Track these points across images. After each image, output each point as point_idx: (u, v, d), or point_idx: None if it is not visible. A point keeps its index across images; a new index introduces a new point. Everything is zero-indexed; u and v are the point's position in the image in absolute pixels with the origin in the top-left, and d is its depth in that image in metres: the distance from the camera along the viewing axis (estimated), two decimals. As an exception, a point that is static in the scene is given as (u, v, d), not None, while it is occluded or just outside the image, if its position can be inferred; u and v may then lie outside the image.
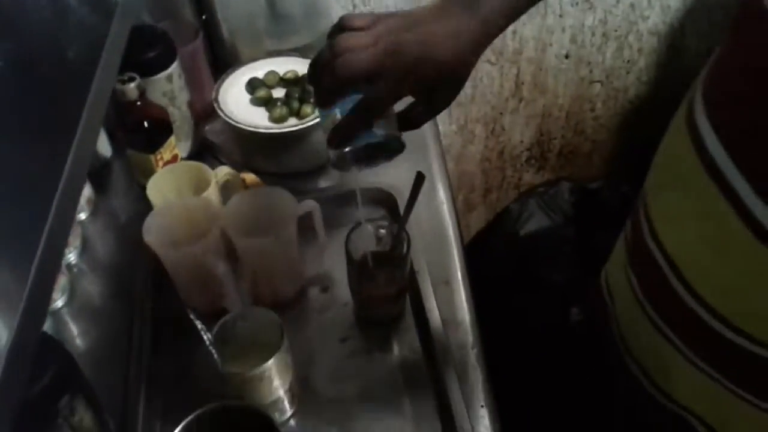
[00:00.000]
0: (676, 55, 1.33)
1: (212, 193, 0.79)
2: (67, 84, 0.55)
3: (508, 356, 0.93)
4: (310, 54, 0.97)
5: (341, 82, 0.55)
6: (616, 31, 1.29)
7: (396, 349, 0.77)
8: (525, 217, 1.46)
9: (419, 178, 0.75)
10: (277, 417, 0.70)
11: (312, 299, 0.82)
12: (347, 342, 0.77)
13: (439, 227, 0.89)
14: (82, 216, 0.91)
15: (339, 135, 0.58)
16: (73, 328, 0.81)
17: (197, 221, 0.74)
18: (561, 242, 1.42)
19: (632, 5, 1.25)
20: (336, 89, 0.56)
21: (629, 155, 1.44)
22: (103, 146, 0.98)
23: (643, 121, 1.44)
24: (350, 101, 0.57)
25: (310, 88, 0.91)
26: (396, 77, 0.56)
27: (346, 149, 0.59)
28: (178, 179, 0.81)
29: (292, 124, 0.89)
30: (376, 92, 0.57)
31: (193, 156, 0.97)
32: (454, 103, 1.27)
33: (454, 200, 0.94)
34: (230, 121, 0.88)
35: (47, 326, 0.80)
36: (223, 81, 0.94)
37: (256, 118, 0.90)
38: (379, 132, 0.59)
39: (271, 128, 0.88)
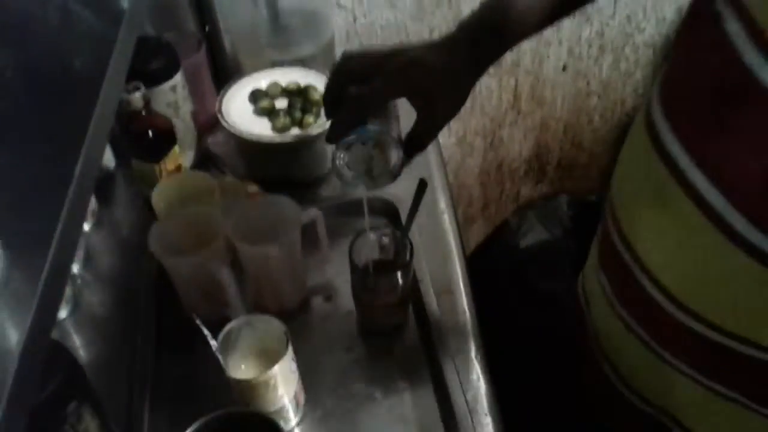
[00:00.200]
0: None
1: (216, 203, 0.79)
2: (75, 92, 0.55)
3: (509, 366, 0.93)
4: (312, 65, 0.99)
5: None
6: (612, 43, 1.30)
7: (399, 357, 0.77)
8: (524, 230, 1.47)
9: (422, 186, 0.76)
10: (282, 425, 0.69)
11: (315, 308, 0.82)
12: (351, 351, 0.78)
13: (440, 236, 0.90)
14: (86, 227, 0.92)
15: (333, 128, 0.63)
16: (77, 339, 0.81)
17: (201, 230, 0.74)
18: (560, 255, 1.43)
19: (628, 17, 1.27)
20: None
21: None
22: (106, 157, 0.98)
23: (640, 133, 1.45)
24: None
25: (313, 99, 0.93)
26: (389, 74, 0.61)
27: (342, 156, 0.64)
28: (182, 188, 0.81)
29: (294, 134, 0.89)
30: (370, 88, 0.61)
31: (195, 167, 0.98)
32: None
33: (455, 210, 0.94)
34: (233, 131, 0.89)
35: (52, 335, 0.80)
36: (226, 91, 0.94)
37: (259, 128, 0.91)
38: (372, 128, 0.63)
39: (274, 138, 0.89)
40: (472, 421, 0.70)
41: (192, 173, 0.84)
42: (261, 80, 0.97)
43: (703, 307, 0.53)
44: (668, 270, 0.55)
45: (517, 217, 1.47)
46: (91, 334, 0.81)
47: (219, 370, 0.67)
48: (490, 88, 1.34)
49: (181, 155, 0.91)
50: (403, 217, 0.86)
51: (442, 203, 0.94)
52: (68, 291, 0.82)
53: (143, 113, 0.83)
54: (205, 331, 0.62)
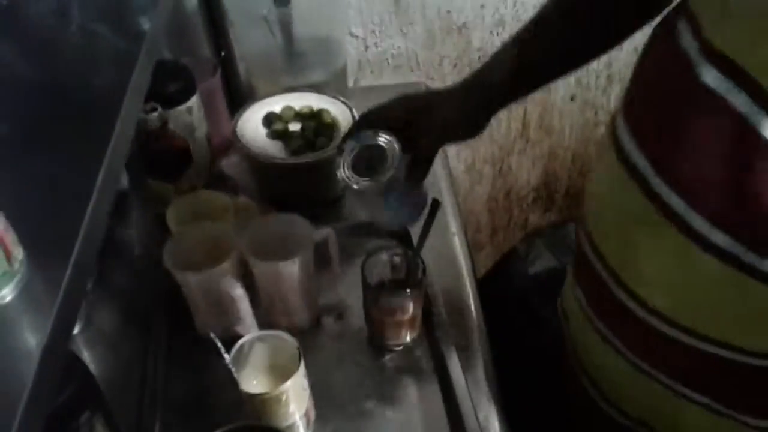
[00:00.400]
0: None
1: (230, 221, 0.80)
2: (97, 107, 0.57)
3: (519, 392, 0.93)
4: (325, 90, 1.01)
5: None
6: (620, 74, 1.32)
7: (411, 377, 0.77)
8: (532, 258, 1.46)
9: (435, 205, 0.77)
10: (293, 441, 0.69)
11: (327, 327, 0.82)
12: (362, 369, 0.78)
13: (451, 257, 0.90)
14: (98, 245, 0.92)
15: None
16: (88, 354, 0.81)
17: (215, 246, 0.75)
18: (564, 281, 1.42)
19: (636, 49, 1.28)
20: None
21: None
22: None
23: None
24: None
25: (326, 122, 0.95)
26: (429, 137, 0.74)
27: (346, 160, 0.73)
28: (196, 207, 0.82)
29: (308, 156, 0.91)
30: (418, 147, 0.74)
31: (209, 188, 0.99)
32: (461, 144, 1.31)
33: (465, 232, 0.95)
34: (248, 152, 0.90)
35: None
36: (241, 115, 0.96)
37: (273, 151, 0.92)
38: (368, 133, 0.73)
39: (288, 159, 0.90)
40: (484, 442, 0.70)
41: (206, 192, 0.85)
42: (275, 104, 0.99)
43: (677, 313, 0.55)
44: (640, 278, 0.57)
45: (526, 244, 1.46)
46: (103, 349, 0.81)
47: (230, 387, 0.67)
48: (499, 116, 1.34)
49: (196, 176, 0.92)
50: (415, 238, 0.87)
51: (453, 226, 0.95)
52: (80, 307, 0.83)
53: (160, 133, 0.84)
54: (218, 344, 0.62)
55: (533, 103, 1.35)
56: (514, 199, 1.50)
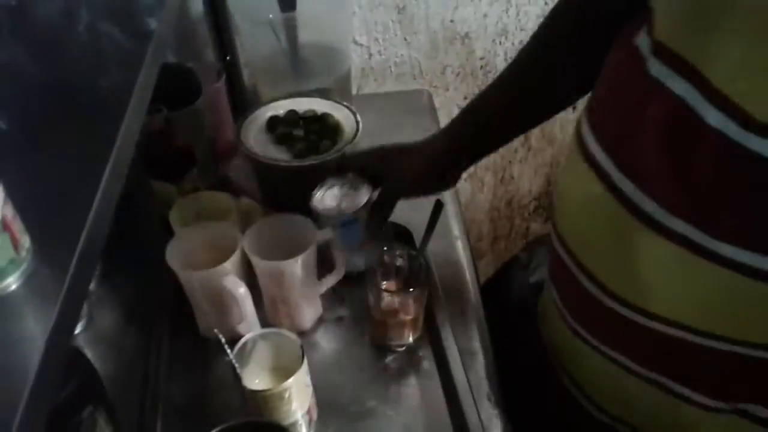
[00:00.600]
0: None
1: (233, 221, 0.81)
2: (105, 103, 0.57)
3: (519, 391, 0.93)
4: (329, 96, 1.01)
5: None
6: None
7: (413, 378, 0.77)
8: (533, 266, 1.46)
9: (438, 206, 0.77)
10: (296, 438, 0.69)
11: (329, 328, 0.82)
12: (364, 370, 0.78)
13: (453, 261, 0.91)
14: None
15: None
16: (90, 354, 0.81)
17: (219, 245, 0.75)
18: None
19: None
20: None
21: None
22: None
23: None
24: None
25: (330, 125, 0.95)
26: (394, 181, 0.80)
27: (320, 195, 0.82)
28: (200, 208, 0.83)
29: (312, 159, 0.91)
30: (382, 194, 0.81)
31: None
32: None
33: (468, 235, 0.95)
34: (252, 155, 0.90)
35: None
36: (245, 118, 0.96)
37: (277, 154, 0.92)
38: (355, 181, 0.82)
39: (292, 162, 0.90)
40: (486, 441, 0.70)
41: (209, 193, 0.85)
42: (279, 108, 0.99)
43: (640, 298, 0.56)
44: (604, 268, 0.58)
45: (527, 252, 1.47)
46: (105, 349, 0.81)
47: (232, 387, 0.67)
48: (501, 124, 1.36)
49: (199, 178, 0.93)
50: (417, 239, 0.88)
51: (456, 230, 0.95)
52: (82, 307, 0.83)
53: (164, 134, 0.85)
54: (222, 340, 0.63)
55: (535, 111, 1.35)
56: (516, 207, 1.50)
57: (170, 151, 0.86)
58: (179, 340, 0.81)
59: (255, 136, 0.95)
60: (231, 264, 0.73)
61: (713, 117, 0.46)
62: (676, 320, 0.55)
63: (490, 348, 0.80)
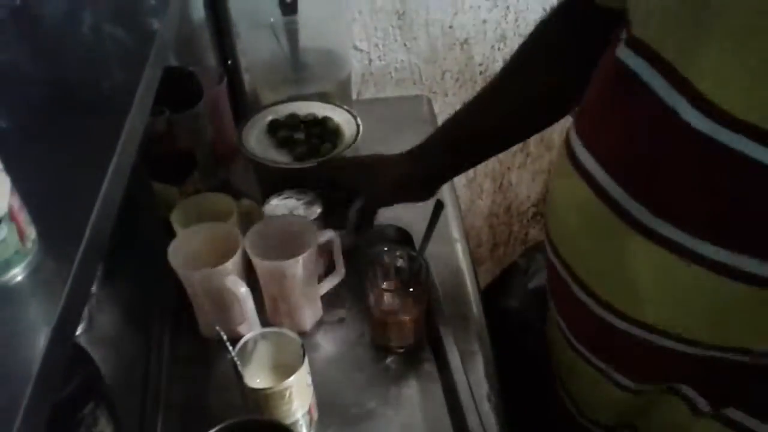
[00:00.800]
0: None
1: (234, 222, 0.81)
2: (109, 104, 0.58)
3: (519, 395, 0.93)
4: (330, 100, 1.02)
5: None
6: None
7: (414, 379, 0.77)
8: (532, 272, 1.47)
9: (438, 206, 0.77)
10: (297, 437, 0.69)
11: (329, 330, 0.82)
12: (365, 371, 0.78)
13: (454, 263, 0.91)
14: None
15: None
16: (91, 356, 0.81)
17: (220, 246, 0.75)
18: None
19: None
20: None
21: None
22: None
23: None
24: None
25: (330, 128, 0.96)
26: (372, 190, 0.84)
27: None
28: (201, 208, 0.83)
29: (312, 161, 0.91)
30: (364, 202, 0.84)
31: (213, 194, 1.00)
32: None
33: (467, 238, 0.96)
34: (253, 158, 0.91)
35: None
36: (247, 121, 0.97)
37: (278, 157, 0.93)
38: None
39: (293, 164, 0.91)
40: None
41: (211, 194, 0.85)
42: (279, 112, 1.00)
43: (621, 302, 0.56)
44: (591, 272, 0.58)
45: (526, 258, 1.47)
46: (106, 350, 0.81)
47: (232, 387, 0.67)
48: (500, 130, 1.37)
49: (200, 181, 0.93)
50: (417, 240, 0.88)
51: (456, 233, 0.95)
52: (83, 308, 0.83)
53: (167, 136, 0.85)
54: (224, 337, 0.63)
55: (534, 117, 1.36)
56: (515, 214, 1.51)
57: (172, 153, 0.86)
58: (180, 340, 0.81)
59: (256, 139, 0.96)
60: (232, 264, 0.73)
61: (692, 115, 0.46)
62: (665, 329, 0.54)
63: (490, 350, 0.80)
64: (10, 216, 0.41)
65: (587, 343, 0.63)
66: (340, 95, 1.09)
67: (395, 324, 0.76)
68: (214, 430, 0.59)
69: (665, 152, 0.49)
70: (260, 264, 0.74)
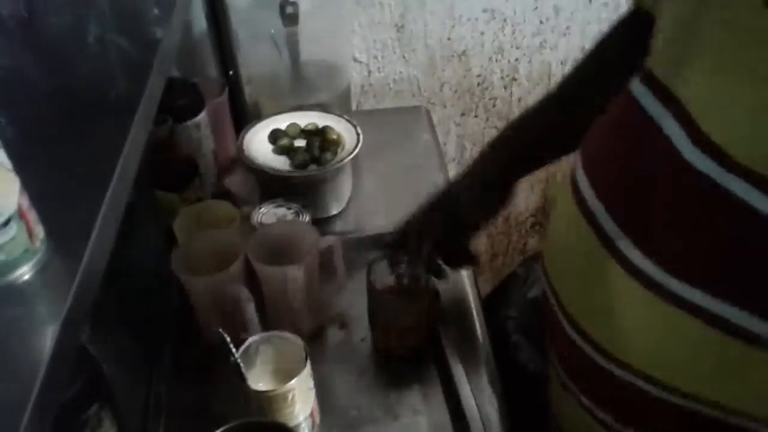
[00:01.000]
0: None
1: (236, 229, 0.82)
2: (115, 111, 0.59)
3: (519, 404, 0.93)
4: (330, 109, 1.03)
5: None
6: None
7: (415, 384, 0.77)
8: (531, 281, 1.47)
9: None
10: (300, 440, 0.69)
11: (330, 335, 0.83)
12: (365, 376, 0.78)
13: (454, 274, 0.91)
14: (104, 258, 0.93)
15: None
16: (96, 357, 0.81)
17: (222, 252, 0.76)
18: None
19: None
20: None
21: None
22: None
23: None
24: None
25: (331, 138, 0.97)
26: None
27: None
28: (203, 216, 0.84)
29: (313, 169, 0.92)
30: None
31: (215, 202, 1.01)
32: (462, 168, 1.33)
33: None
34: (254, 165, 0.92)
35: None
36: (247, 131, 0.98)
37: (278, 165, 0.94)
38: None
39: (294, 172, 0.92)
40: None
41: (213, 201, 0.86)
42: (280, 122, 1.01)
43: (614, 345, 0.54)
44: (586, 312, 0.57)
45: (525, 268, 1.48)
46: (108, 355, 0.81)
47: (235, 390, 0.67)
48: (498, 141, 1.38)
49: (202, 190, 0.94)
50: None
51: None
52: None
53: (168, 145, 0.86)
54: (227, 339, 0.63)
55: (531, 128, 1.38)
56: (513, 224, 1.52)
57: (174, 161, 0.87)
58: (183, 344, 0.81)
59: (257, 148, 0.97)
60: (234, 270, 0.74)
61: (695, 155, 0.45)
62: (647, 373, 0.52)
63: (492, 356, 0.81)
64: (20, 214, 0.41)
65: (573, 377, 0.62)
66: (339, 106, 1.10)
67: (396, 329, 0.77)
68: (218, 431, 0.59)
69: (664, 190, 0.48)
70: (262, 269, 0.75)
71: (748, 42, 0.43)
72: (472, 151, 1.40)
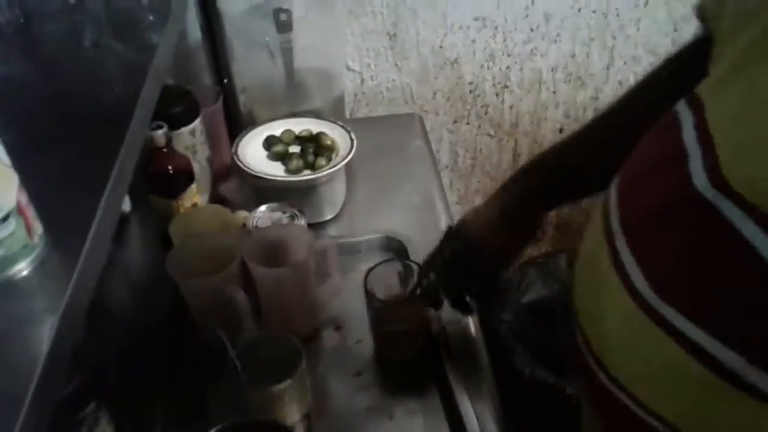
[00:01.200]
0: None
1: (233, 232, 0.82)
2: (112, 114, 0.60)
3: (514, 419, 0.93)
4: (324, 116, 1.04)
5: None
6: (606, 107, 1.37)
7: (409, 383, 0.78)
8: (525, 286, 1.48)
9: None
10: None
11: (326, 337, 0.83)
12: (361, 376, 0.78)
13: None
14: (100, 264, 0.94)
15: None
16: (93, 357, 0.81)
17: (217, 255, 0.76)
18: (561, 311, 1.44)
19: (620, 83, 1.34)
20: None
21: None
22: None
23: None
24: None
25: (325, 144, 0.98)
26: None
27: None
28: (200, 220, 0.84)
29: (307, 174, 0.93)
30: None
31: (210, 209, 1.01)
32: (455, 175, 1.34)
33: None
34: (249, 171, 0.93)
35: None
36: (242, 138, 0.99)
37: (273, 171, 0.95)
38: None
39: (288, 178, 0.93)
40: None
41: (209, 206, 0.87)
42: (275, 128, 1.02)
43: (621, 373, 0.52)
44: (602, 341, 0.54)
45: (519, 273, 1.49)
46: (105, 356, 0.81)
47: (231, 390, 0.68)
48: (491, 147, 1.40)
49: (197, 196, 0.94)
50: (411, 255, 0.90)
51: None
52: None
53: (164, 150, 0.87)
54: (224, 338, 0.64)
55: (523, 135, 1.39)
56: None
57: (169, 166, 0.88)
58: (179, 345, 0.82)
59: (252, 154, 0.98)
60: (230, 271, 0.74)
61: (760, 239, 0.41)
62: (628, 388, 0.51)
63: (487, 362, 0.81)
64: (18, 210, 0.42)
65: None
66: (333, 114, 1.11)
67: (393, 333, 0.77)
68: (214, 430, 0.59)
69: (727, 274, 0.44)
70: (258, 271, 0.75)
71: None
72: (464, 158, 1.41)
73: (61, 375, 0.43)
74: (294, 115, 1.06)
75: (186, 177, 0.91)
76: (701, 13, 0.58)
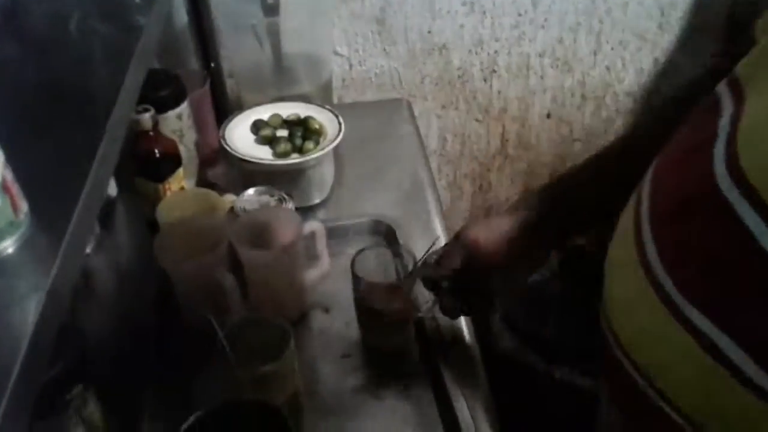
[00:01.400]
0: (651, 114, 1.42)
1: (220, 216, 0.82)
2: (97, 97, 0.60)
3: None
4: (312, 100, 1.04)
5: None
6: (593, 92, 1.38)
7: (398, 364, 0.79)
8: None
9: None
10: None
11: (314, 319, 0.84)
12: (349, 358, 0.79)
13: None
14: (87, 249, 0.93)
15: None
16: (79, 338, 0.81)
17: (206, 237, 0.76)
18: (549, 298, 1.45)
19: (608, 68, 1.35)
20: None
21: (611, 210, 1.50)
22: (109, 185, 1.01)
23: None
24: None
25: (312, 128, 0.97)
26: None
27: None
28: (187, 204, 0.84)
29: (295, 158, 0.93)
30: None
31: (197, 193, 1.01)
32: (443, 160, 1.33)
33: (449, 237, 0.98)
34: (236, 155, 0.92)
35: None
36: (230, 122, 0.99)
37: (261, 155, 0.95)
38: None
39: (276, 161, 0.93)
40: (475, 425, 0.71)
41: (197, 189, 0.87)
42: (263, 113, 1.02)
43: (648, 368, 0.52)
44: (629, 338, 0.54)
45: (507, 259, 1.49)
46: (91, 339, 0.81)
47: (219, 372, 0.68)
48: (479, 133, 1.40)
49: (184, 180, 0.94)
50: (401, 239, 0.90)
51: (438, 230, 0.97)
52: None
53: (151, 134, 0.86)
54: (213, 321, 0.64)
55: (511, 120, 1.39)
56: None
57: (156, 150, 0.88)
58: (166, 328, 0.82)
59: (239, 138, 0.97)
60: (218, 255, 0.74)
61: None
62: (656, 384, 0.50)
63: (477, 347, 0.81)
64: (3, 188, 0.42)
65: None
66: (321, 98, 1.11)
67: (383, 320, 0.77)
68: (202, 410, 0.60)
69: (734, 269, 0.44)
70: (245, 254, 0.75)
71: None
72: (452, 143, 1.41)
73: (47, 353, 0.42)
74: (282, 99, 1.05)
75: (173, 160, 0.90)
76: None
